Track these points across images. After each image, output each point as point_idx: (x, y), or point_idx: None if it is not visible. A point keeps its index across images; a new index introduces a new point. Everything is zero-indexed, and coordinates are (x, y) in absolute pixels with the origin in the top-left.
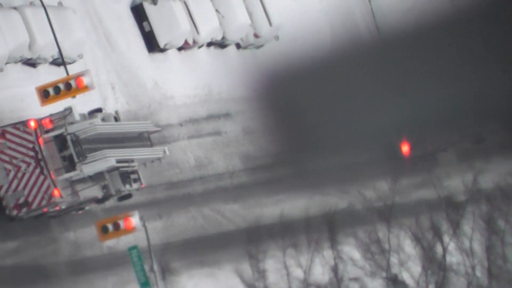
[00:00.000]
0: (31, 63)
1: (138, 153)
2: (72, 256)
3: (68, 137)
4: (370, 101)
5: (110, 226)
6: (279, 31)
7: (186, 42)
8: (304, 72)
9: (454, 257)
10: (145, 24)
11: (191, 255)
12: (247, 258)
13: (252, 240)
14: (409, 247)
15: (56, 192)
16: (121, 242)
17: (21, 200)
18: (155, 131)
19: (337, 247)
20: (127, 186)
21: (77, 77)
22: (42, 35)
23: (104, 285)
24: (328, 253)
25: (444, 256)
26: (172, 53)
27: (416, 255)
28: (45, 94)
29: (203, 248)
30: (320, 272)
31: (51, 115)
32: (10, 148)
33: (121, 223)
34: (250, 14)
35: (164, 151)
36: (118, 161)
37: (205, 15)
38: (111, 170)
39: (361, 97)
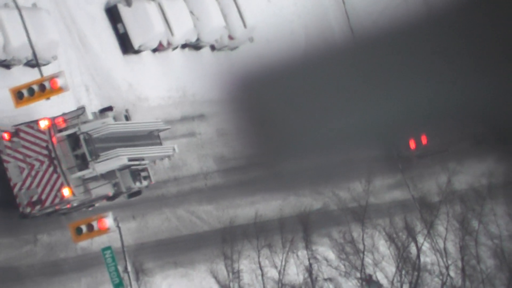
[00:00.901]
0: (5, 64)
1: (148, 151)
2: (46, 258)
3: (81, 136)
4: (344, 103)
5: (84, 227)
6: (254, 33)
7: (160, 44)
8: (278, 74)
9: (428, 257)
10: (119, 25)
11: (165, 256)
12: (222, 259)
13: (226, 241)
14: (383, 247)
15: (69, 190)
16: (95, 243)
17: (35, 198)
18: (164, 129)
19: (311, 247)
20: (137, 184)
21: (51, 78)
22: (16, 36)
23: (77, 286)
24: (302, 253)
25: (418, 256)
26: (146, 54)
27: (390, 255)
28: (19, 96)
29: (177, 249)
30: (295, 272)
31: (64, 114)
32: (24, 146)
33: (95, 224)
34: (224, 16)
35: (174, 149)
36: (130, 160)
37: (179, 17)
38: (122, 168)
39: (335, 99)
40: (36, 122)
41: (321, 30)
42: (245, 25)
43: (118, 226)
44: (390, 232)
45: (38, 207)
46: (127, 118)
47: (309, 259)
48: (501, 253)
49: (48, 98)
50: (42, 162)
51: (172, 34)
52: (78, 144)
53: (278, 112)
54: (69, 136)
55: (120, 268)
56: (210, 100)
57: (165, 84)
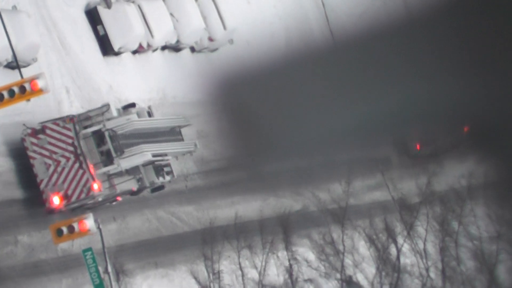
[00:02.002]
0: None
1: (171, 147)
2: (27, 259)
3: (106, 133)
4: (325, 105)
5: (64, 229)
6: (234, 35)
7: (140, 46)
8: (259, 76)
9: (408, 259)
10: (99, 27)
11: (146, 257)
12: (202, 259)
13: (207, 242)
14: (363, 248)
15: (95, 186)
16: (75, 245)
17: (61, 194)
18: (186, 125)
19: (291, 248)
20: (160, 178)
21: (32, 80)
22: None
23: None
24: (282, 254)
25: (398, 257)
26: (126, 56)
27: (370, 257)
28: None
29: (157, 250)
30: (275, 273)
31: (89, 111)
32: (50, 143)
33: (76, 226)
34: (204, 18)
35: (195, 145)
36: (154, 155)
37: (159, 19)
38: (146, 163)
39: (316, 101)
40: (62, 119)
41: (302, 32)
42: (225, 27)
43: (98, 228)
44: (370, 233)
45: (64, 202)
46: (149, 114)
47: (289, 260)
48: (481, 255)
49: (28, 100)
50: (68, 159)
51: (152, 36)
52: (103, 140)
53: (259, 113)
54: (94, 132)
55: (101, 269)
56: (191, 101)
57: (146, 86)
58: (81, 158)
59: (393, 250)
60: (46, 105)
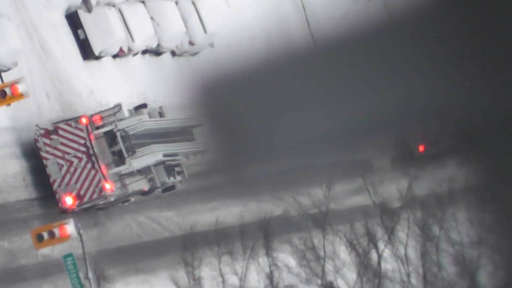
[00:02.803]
0: None
1: (182, 147)
2: (7, 265)
3: (118, 133)
4: (306, 108)
5: (45, 234)
6: (214, 39)
7: (121, 50)
8: (240, 79)
9: (389, 264)
10: (80, 31)
11: (126, 263)
12: (183, 265)
13: (187, 247)
14: (344, 253)
15: (107, 186)
16: (56, 250)
17: (74, 194)
18: (197, 126)
19: (272, 254)
20: (171, 178)
21: (12, 84)
22: None
23: None
24: (263, 260)
25: (379, 263)
26: (107, 60)
27: (351, 262)
28: None
29: (138, 256)
30: (256, 279)
31: (101, 112)
32: (62, 143)
33: (56, 231)
34: (185, 22)
35: (206, 144)
36: (165, 155)
37: (140, 23)
38: (157, 163)
39: (297, 104)
40: (74, 120)
41: (282, 35)
42: (205, 31)
43: (79, 233)
44: (351, 239)
45: (77, 202)
46: (161, 115)
47: (270, 266)
48: (462, 260)
49: (9, 104)
50: (80, 159)
51: (132, 40)
52: (115, 141)
53: (240, 117)
54: (106, 133)
55: (82, 275)
56: (172, 105)
57: (126, 90)
58: (93, 158)
59: (374, 255)
60: (27, 110)
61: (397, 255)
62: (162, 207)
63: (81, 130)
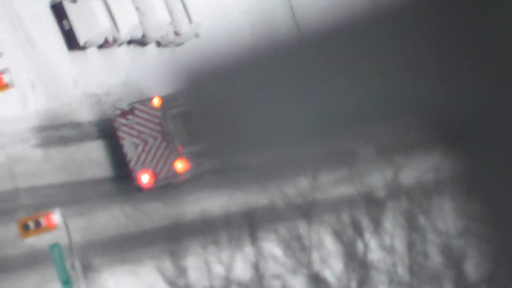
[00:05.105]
0: None
1: None
2: None
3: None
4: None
5: (31, 224)
6: (199, 29)
7: (106, 40)
8: (225, 70)
9: (375, 254)
10: (64, 22)
11: (113, 253)
12: (169, 256)
13: (173, 238)
14: (330, 243)
15: (182, 164)
16: (42, 240)
17: (150, 172)
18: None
19: (258, 243)
20: None
21: None
22: None
23: (25, 284)
24: (249, 250)
25: (365, 253)
26: (92, 51)
27: (337, 252)
28: None
29: (124, 246)
30: (242, 269)
31: (176, 91)
32: (138, 123)
33: (42, 221)
34: (170, 12)
35: None
36: None
37: (125, 13)
38: None
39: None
40: (149, 100)
41: (268, 26)
42: (190, 21)
43: (65, 223)
44: (337, 228)
45: (152, 180)
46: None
47: (255, 255)
48: (448, 250)
49: None
50: (155, 138)
51: (117, 30)
52: (189, 120)
53: (224, 108)
54: (180, 112)
55: (68, 265)
56: (157, 95)
57: (112, 81)
58: (168, 137)
59: (360, 245)
60: (11, 100)
61: (383, 245)
62: (149, 198)
63: (156, 110)
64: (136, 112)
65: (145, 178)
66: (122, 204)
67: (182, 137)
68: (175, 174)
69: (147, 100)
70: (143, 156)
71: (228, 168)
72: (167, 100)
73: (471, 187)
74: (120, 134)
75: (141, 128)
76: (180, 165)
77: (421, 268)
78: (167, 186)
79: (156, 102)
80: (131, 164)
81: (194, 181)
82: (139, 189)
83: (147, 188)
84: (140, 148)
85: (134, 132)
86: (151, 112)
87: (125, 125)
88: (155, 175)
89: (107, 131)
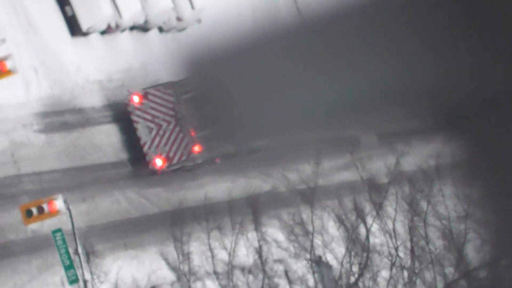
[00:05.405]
0: None
1: None
2: None
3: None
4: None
5: (34, 210)
6: (201, 15)
7: (109, 26)
8: (227, 55)
9: (377, 238)
10: (67, 8)
11: (116, 238)
12: (172, 241)
13: (176, 223)
14: (332, 228)
15: (196, 148)
16: (45, 226)
17: (163, 156)
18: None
19: (261, 229)
20: None
21: (0, 61)
22: None
23: (28, 268)
24: (252, 235)
25: (367, 237)
26: (95, 37)
27: (340, 237)
28: None
29: (127, 231)
30: (245, 254)
31: (189, 77)
32: (152, 108)
33: (45, 207)
34: None
35: None
36: None
37: None
38: None
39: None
40: (163, 85)
41: (269, 11)
42: (192, 7)
43: (68, 209)
44: (339, 214)
45: (166, 164)
46: None
47: (258, 241)
48: (449, 234)
49: None
50: (169, 122)
51: (120, 16)
52: (202, 104)
53: (226, 94)
54: (193, 97)
55: (71, 250)
56: (160, 81)
57: (114, 66)
58: (182, 122)
59: (362, 230)
60: (14, 86)
61: (385, 230)
62: (151, 183)
63: (170, 95)
64: (149, 96)
65: (158, 162)
66: (124, 189)
67: (195, 121)
68: (188, 157)
69: (161, 85)
70: (156, 140)
71: (240, 153)
72: (180, 85)
73: (471, 172)
74: (134, 118)
75: (155, 113)
76: (194, 149)
77: (423, 251)
78: (180, 170)
79: (169, 87)
80: (145, 148)
81: (206, 165)
82: (154, 172)
83: (161, 171)
84: (154, 132)
85: (148, 116)
86: (165, 97)
87: (139, 109)
88: (169, 158)
89: (111, 116)
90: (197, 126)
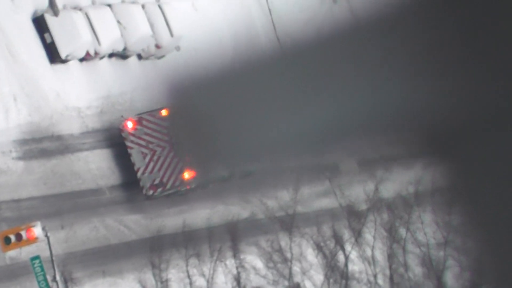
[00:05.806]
0: None
1: None
2: None
3: None
4: (273, 111)
5: (12, 237)
6: (181, 42)
7: (87, 53)
8: (206, 83)
9: (356, 266)
10: (46, 35)
11: (94, 265)
12: (150, 268)
13: (154, 250)
14: (311, 256)
15: (189, 173)
16: (23, 253)
17: (157, 181)
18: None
19: (239, 256)
20: None
21: None
22: None
23: None
24: (231, 262)
25: (346, 264)
26: (73, 64)
27: (318, 264)
28: None
29: (105, 258)
30: (223, 281)
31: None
32: (146, 133)
33: (24, 234)
34: (151, 25)
35: None
36: None
37: (106, 26)
38: None
39: (264, 107)
40: (157, 111)
41: (249, 38)
42: (172, 34)
43: (46, 236)
44: (318, 241)
45: (160, 189)
46: None
47: (237, 268)
48: (428, 261)
49: None
50: (163, 148)
51: (99, 43)
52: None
53: (206, 121)
54: (181, 123)
55: (49, 278)
56: (140, 108)
57: (93, 94)
58: (175, 147)
59: (341, 257)
60: None
61: (364, 257)
62: (130, 210)
63: (164, 120)
64: (144, 122)
65: (152, 188)
66: (103, 216)
67: (186, 146)
68: (182, 182)
69: (155, 111)
70: (150, 165)
71: (233, 177)
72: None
73: (450, 199)
74: (128, 143)
75: (149, 138)
76: (187, 174)
77: (402, 278)
78: (174, 195)
79: (164, 113)
80: (139, 173)
81: (199, 190)
82: (147, 197)
83: (154, 197)
84: (148, 158)
85: (142, 142)
86: (159, 122)
87: (133, 135)
88: (162, 184)
89: (90, 143)
90: (189, 151)
